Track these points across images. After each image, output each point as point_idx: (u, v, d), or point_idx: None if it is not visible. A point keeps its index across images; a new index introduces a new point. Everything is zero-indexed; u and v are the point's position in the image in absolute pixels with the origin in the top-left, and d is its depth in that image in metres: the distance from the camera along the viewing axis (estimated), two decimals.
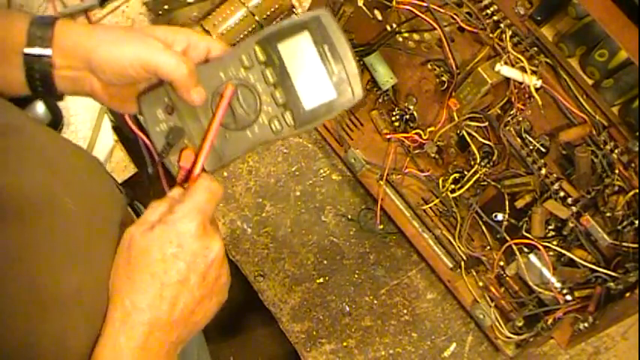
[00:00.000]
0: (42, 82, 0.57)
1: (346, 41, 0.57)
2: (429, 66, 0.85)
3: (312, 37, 0.57)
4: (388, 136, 0.94)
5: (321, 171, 1.00)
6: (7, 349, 0.44)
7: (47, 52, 0.56)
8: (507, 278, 0.88)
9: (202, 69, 0.58)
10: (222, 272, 0.56)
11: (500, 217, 0.85)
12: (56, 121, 1.00)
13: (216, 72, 0.58)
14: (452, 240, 0.91)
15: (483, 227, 0.89)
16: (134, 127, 0.63)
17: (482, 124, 0.81)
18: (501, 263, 0.87)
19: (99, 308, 0.53)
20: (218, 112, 0.57)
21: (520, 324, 0.86)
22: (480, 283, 0.90)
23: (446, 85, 0.83)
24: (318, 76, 0.57)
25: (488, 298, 0.90)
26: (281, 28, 0.57)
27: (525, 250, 0.82)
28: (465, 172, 0.87)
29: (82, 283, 0.51)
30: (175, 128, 0.59)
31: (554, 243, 0.80)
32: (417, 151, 0.92)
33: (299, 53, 0.57)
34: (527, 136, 0.78)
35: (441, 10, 0.74)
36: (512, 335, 0.87)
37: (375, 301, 0.98)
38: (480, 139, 0.83)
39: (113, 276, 0.53)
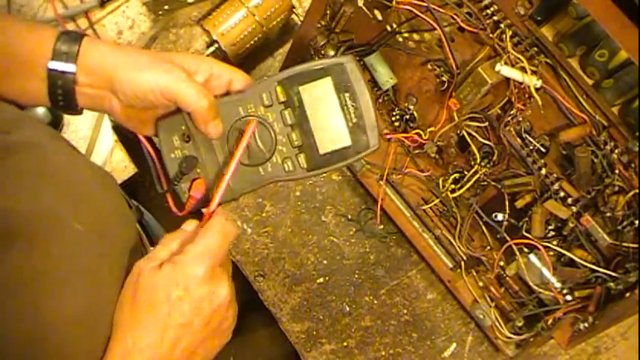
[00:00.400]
0: (63, 97, 0.58)
1: (368, 91, 0.57)
2: (429, 66, 0.85)
3: (334, 84, 0.57)
4: (388, 136, 0.94)
5: None
6: None
7: (71, 68, 0.57)
8: (507, 278, 0.88)
9: (222, 102, 0.59)
10: (227, 316, 0.56)
11: (500, 217, 0.85)
12: (56, 121, 1.00)
13: (236, 107, 0.59)
14: (452, 240, 0.91)
15: (483, 227, 0.89)
16: (148, 147, 0.64)
17: (482, 124, 0.81)
18: (501, 263, 0.87)
19: (102, 331, 0.53)
20: (238, 150, 0.57)
21: (520, 324, 0.86)
22: (480, 283, 0.90)
23: (446, 85, 0.83)
24: (336, 122, 0.58)
25: (488, 298, 0.90)
26: (304, 70, 0.57)
27: (525, 250, 0.82)
28: (465, 172, 0.87)
29: (86, 305, 0.51)
30: (190, 157, 0.60)
31: (554, 243, 0.80)
32: (417, 151, 0.92)
33: (319, 98, 0.58)
34: (527, 136, 0.78)
35: (441, 10, 0.74)
36: (512, 335, 0.87)
37: (375, 301, 0.98)
38: (480, 139, 0.83)
39: (118, 309, 0.53)
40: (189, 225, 0.58)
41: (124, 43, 1.01)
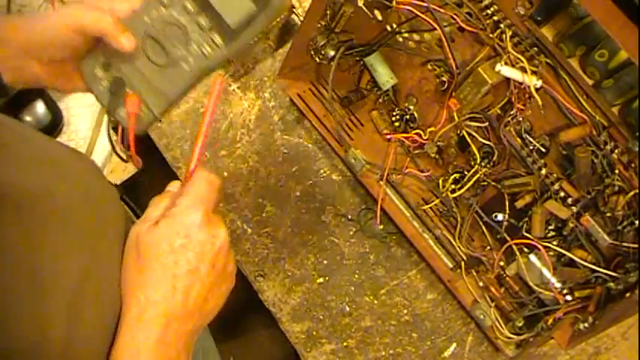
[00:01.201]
0: None
1: None
2: (429, 66, 0.85)
3: None
4: (388, 136, 0.94)
5: (321, 171, 1.00)
6: (10, 334, 0.43)
7: None
8: (507, 278, 0.88)
9: (128, 18, 0.61)
10: (229, 259, 0.57)
11: (500, 217, 0.85)
12: (56, 121, 1.00)
13: (141, 17, 0.62)
14: (452, 240, 0.91)
15: (483, 227, 0.89)
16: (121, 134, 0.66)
17: (482, 125, 0.81)
18: (501, 263, 0.87)
19: (104, 297, 0.53)
20: (209, 107, 0.59)
21: (520, 324, 0.86)
22: (480, 283, 0.90)
23: (446, 85, 0.83)
24: None
25: (488, 298, 0.89)
26: None
27: (525, 250, 0.82)
28: (465, 172, 0.87)
29: (85, 270, 0.51)
30: (115, 79, 0.63)
31: (555, 243, 0.80)
32: (417, 151, 0.92)
33: None
34: (528, 136, 0.78)
35: (441, 11, 0.74)
36: (512, 335, 0.87)
37: (375, 301, 0.98)
38: (480, 139, 0.83)
39: (124, 276, 0.54)
40: (173, 186, 0.59)
41: None
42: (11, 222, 0.46)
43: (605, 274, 0.76)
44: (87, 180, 0.60)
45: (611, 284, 0.76)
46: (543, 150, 0.78)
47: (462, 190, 0.87)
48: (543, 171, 0.78)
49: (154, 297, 0.52)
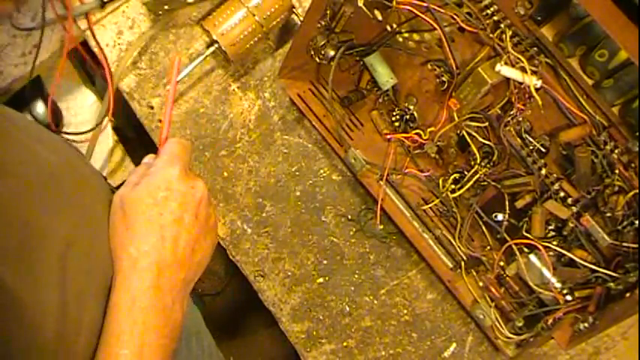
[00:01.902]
0: None
1: None
2: (429, 66, 0.85)
3: None
4: (388, 136, 0.94)
5: (321, 171, 1.00)
6: (2, 288, 0.44)
7: None
8: (507, 278, 0.88)
9: None
10: (211, 212, 0.60)
11: (500, 217, 0.85)
12: (56, 121, 1.00)
13: None
14: (452, 240, 0.91)
15: (483, 227, 0.89)
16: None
17: (482, 125, 0.81)
18: (501, 263, 0.87)
19: (93, 256, 0.54)
20: (172, 84, 0.63)
21: (520, 324, 0.86)
22: (480, 284, 0.90)
23: (446, 85, 0.83)
24: None
25: (488, 299, 0.89)
26: None
27: (525, 250, 0.82)
28: (465, 172, 0.87)
29: (73, 228, 0.53)
30: None
31: (555, 243, 0.80)
32: (417, 151, 0.92)
33: None
34: (527, 136, 0.78)
35: (441, 11, 0.74)
36: (512, 335, 0.87)
37: (375, 301, 0.98)
38: (480, 139, 0.83)
39: (112, 237, 0.56)
40: (149, 157, 0.62)
41: (123, 43, 1.01)
42: (1, 183, 0.47)
43: (605, 274, 0.76)
44: (72, 155, 0.62)
45: (611, 284, 0.76)
46: (543, 150, 0.78)
47: (462, 190, 0.87)
48: (543, 171, 0.78)
49: (144, 247, 0.54)
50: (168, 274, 0.54)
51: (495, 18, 0.72)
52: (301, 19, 0.95)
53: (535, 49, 0.71)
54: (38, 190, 0.51)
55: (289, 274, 0.99)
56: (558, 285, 0.80)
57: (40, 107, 0.99)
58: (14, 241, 0.46)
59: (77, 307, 0.51)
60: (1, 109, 0.59)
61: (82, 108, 1.03)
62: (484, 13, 0.72)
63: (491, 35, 0.72)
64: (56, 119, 1.00)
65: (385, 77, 0.90)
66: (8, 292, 0.44)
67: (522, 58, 0.70)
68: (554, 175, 0.78)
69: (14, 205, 0.48)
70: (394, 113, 0.93)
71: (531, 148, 0.78)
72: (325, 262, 0.99)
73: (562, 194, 0.77)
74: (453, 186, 0.89)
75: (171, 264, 0.55)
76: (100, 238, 0.56)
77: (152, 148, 1.02)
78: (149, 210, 0.55)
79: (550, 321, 0.82)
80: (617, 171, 0.70)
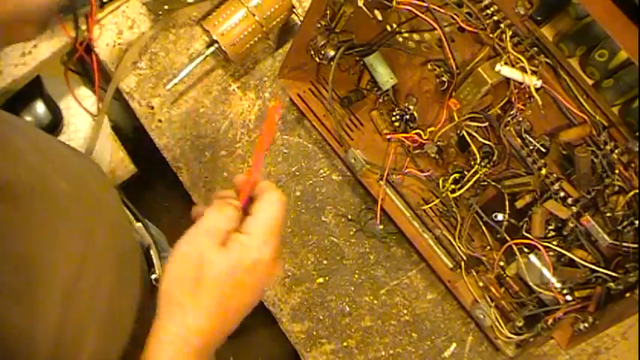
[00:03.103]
0: None
1: None
2: (429, 66, 0.84)
3: None
4: (388, 136, 0.94)
5: (321, 171, 1.00)
6: (2, 320, 0.44)
7: None
8: (507, 278, 0.88)
9: None
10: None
11: (500, 217, 0.85)
12: (56, 121, 1.00)
13: None
14: (452, 240, 0.91)
15: (483, 227, 0.89)
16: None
17: (482, 124, 0.81)
18: (501, 263, 0.87)
19: (100, 287, 0.53)
20: (266, 133, 0.56)
21: (520, 324, 0.86)
22: (480, 283, 0.90)
23: (446, 85, 0.83)
24: None
25: (488, 298, 0.89)
26: None
27: (525, 250, 0.82)
28: (465, 172, 0.87)
29: (81, 262, 0.51)
30: None
31: (555, 243, 0.80)
32: (417, 151, 0.92)
33: None
34: (527, 136, 0.78)
35: (441, 11, 0.74)
36: (512, 335, 0.87)
37: (375, 301, 0.98)
38: (480, 139, 0.83)
39: (177, 284, 0.52)
40: (240, 178, 0.58)
41: (123, 43, 1.01)
42: (6, 213, 0.46)
43: (605, 274, 0.76)
44: (84, 176, 0.59)
45: (611, 284, 0.76)
46: (543, 150, 0.78)
47: (462, 190, 0.87)
48: (543, 171, 0.78)
49: (203, 326, 0.52)
50: (210, 349, 0.53)
51: (495, 18, 0.72)
52: (301, 19, 0.95)
53: (535, 49, 0.71)
54: (46, 222, 0.49)
55: (289, 274, 0.99)
56: (558, 285, 0.80)
57: (40, 107, 0.99)
58: (16, 278, 0.45)
59: (76, 338, 0.50)
60: (10, 118, 0.58)
61: (82, 108, 1.03)
62: (484, 13, 0.72)
63: (491, 35, 0.72)
64: (56, 119, 1.00)
65: (385, 77, 0.90)
66: (4, 327, 0.43)
67: (522, 58, 0.70)
68: (554, 175, 0.78)
69: (20, 238, 0.46)
70: (394, 113, 0.93)
71: (531, 148, 0.78)
72: (325, 262, 0.99)
73: (562, 194, 0.77)
74: (453, 186, 0.89)
75: (218, 342, 0.54)
76: (108, 266, 0.54)
77: (152, 148, 1.02)
78: (226, 288, 0.52)
79: (550, 321, 0.82)
80: (617, 171, 0.70)
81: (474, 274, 0.91)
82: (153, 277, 0.70)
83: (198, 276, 0.52)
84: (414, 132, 0.90)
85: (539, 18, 0.69)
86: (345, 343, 0.97)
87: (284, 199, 0.56)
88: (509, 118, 0.77)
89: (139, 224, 0.75)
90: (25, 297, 0.46)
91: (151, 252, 0.72)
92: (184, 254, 0.53)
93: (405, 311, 0.97)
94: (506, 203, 0.83)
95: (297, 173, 1.00)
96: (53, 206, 0.51)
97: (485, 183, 0.85)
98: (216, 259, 0.52)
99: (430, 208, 0.93)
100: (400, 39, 0.85)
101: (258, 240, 0.54)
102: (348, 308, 0.98)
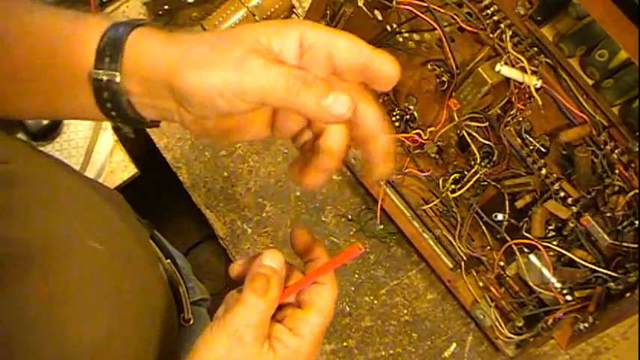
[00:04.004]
0: (116, 111, 0.46)
1: None
2: (429, 66, 0.84)
3: None
4: None
5: None
6: None
7: (114, 76, 0.44)
8: (507, 278, 0.88)
9: None
10: None
11: (500, 217, 0.85)
12: (56, 121, 1.00)
13: None
14: (452, 240, 0.91)
15: (483, 227, 0.89)
16: None
17: (482, 124, 0.81)
18: (501, 263, 0.87)
19: (128, 348, 0.51)
20: (339, 261, 0.52)
21: (520, 324, 0.86)
22: (480, 283, 0.90)
23: (446, 85, 0.83)
24: None
25: (488, 298, 0.90)
26: None
27: (525, 250, 0.82)
28: (465, 172, 0.87)
29: (111, 326, 0.49)
30: None
31: (555, 243, 0.80)
32: (417, 151, 0.92)
33: None
34: (528, 136, 0.78)
35: (441, 11, 0.74)
36: (512, 335, 0.87)
37: (375, 301, 0.98)
38: (480, 139, 0.83)
39: None
40: (277, 262, 0.52)
41: None
42: (36, 287, 0.44)
43: (605, 274, 0.76)
44: (116, 229, 0.55)
45: (611, 284, 0.76)
46: (543, 150, 0.78)
47: (462, 190, 0.87)
48: (543, 171, 0.78)
49: None
50: None
51: (495, 18, 0.72)
52: (301, 19, 0.95)
53: (535, 49, 0.71)
54: (79, 289, 0.47)
55: None
56: (558, 285, 0.80)
57: None
58: (46, 353, 0.44)
59: None
60: (53, 173, 0.53)
61: None
62: (484, 13, 0.72)
63: (491, 35, 0.72)
64: (56, 120, 1.00)
65: None
66: None
67: (522, 58, 0.70)
68: (554, 175, 0.78)
69: (51, 314, 0.44)
70: (394, 113, 0.93)
71: (531, 148, 0.78)
72: None
73: (562, 194, 0.77)
74: (453, 186, 0.89)
75: None
76: (138, 323, 0.51)
77: (152, 148, 1.02)
78: None
79: (550, 321, 0.82)
80: (617, 171, 0.70)
81: (474, 274, 0.91)
82: (182, 315, 0.67)
83: None
84: (414, 132, 0.90)
85: (539, 18, 0.69)
86: (345, 343, 0.97)
87: (336, 292, 0.51)
88: (509, 118, 0.77)
89: (168, 260, 0.71)
90: None
91: (180, 290, 0.68)
92: (228, 350, 0.46)
93: (405, 311, 0.97)
94: (506, 203, 0.83)
95: None
96: (83, 273, 0.48)
97: (486, 183, 0.85)
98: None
99: (430, 208, 0.93)
100: (400, 39, 0.85)
101: (310, 344, 0.49)
102: (348, 308, 0.98)
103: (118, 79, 0.44)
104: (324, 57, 0.43)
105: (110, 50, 0.44)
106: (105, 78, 0.44)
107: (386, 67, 0.44)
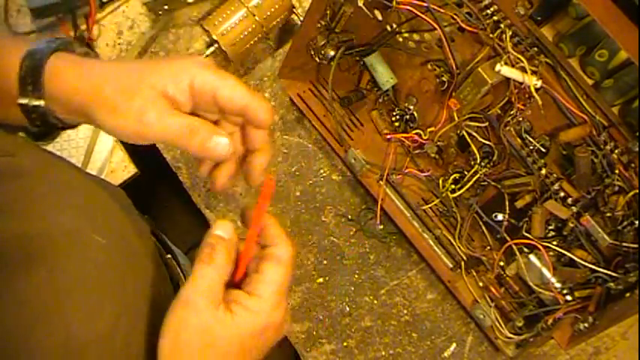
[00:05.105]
0: (45, 125, 0.53)
1: None
2: (429, 66, 0.85)
3: None
4: (388, 136, 0.94)
5: (321, 171, 1.00)
6: None
7: (39, 102, 0.50)
8: (507, 278, 0.88)
9: None
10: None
11: (500, 217, 0.85)
12: None
13: None
14: (452, 240, 0.91)
15: (483, 227, 0.89)
16: None
17: (482, 124, 0.81)
18: (501, 263, 0.87)
19: (135, 347, 0.51)
20: (262, 205, 0.54)
21: (520, 324, 0.86)
22: (480, 284, 0.90)
23: (446, 85, 0.83)
24: None
25: (488, 298, 0.89)
26: None
27: (525, 250, 0.82)
28: (465, 172, 0.87)
29: (116, 319, 0.49)
30: None
31: (554, 243, 0.80)
32: (417, 151, 0.92)
33: None
34: (527, 136, 0.78)
35: (441, 11, 0.74)
36: (512, 335, 0.87)
37: (375, 301, 0.98)
38: (480, 139, 0.83)
39: (176, 350, 0.48)
40: (225, 230, 0.53)
41: (123, 43, 1.01)
42: (43, 280, 0.45)
43: (605, 274, 0.76)
44: (119, 224, 0.57)
45: (611, 284, 0.76)
46: (543, 150, 0.78)
47: (462, 190, 0.87)
48: (543, 171, 0.78)
49: None
50: None
51: (495, 18, 0.72)
52: (301, 19, 0.95)
53: (535, 49, 0.71)
54: (85, 283, 0.47)
55: None
56: (558, 285, 0.80)
57: None
58: (55, 355, 0.44)
59: None
60: (57, 167, 0.55)
61: None
62: (484, 13, 0.72)
63: (491, 35, 0.72)
64: None
65: (385, 77, 0.90)
66: None
67: (522, 58, 0.70)
68: (554, 175, 0.78)
69: (57, 307, 0.45)
70: (394, 113, 0.93)
71: (531, 148, 0.78)
72: (325, 262, 0.99)
73: (562, 194, 0.77)
74: (453, 186, 0.89)
75: None
76: (142, 317, 0.52)
77: (152, 148, 1.02)
78: (233, 357, 0.49)
79: (550, 321, 0.82)
80: (617, 171, 0.70)
81: (474, 274, 0.91)
82: None
83: (202, 346, 0.48)
84: (414, 132, 0.90)
85: (539, 18, 0.69)
86: (345, 343, 0.97)
87: (294, 253, 0.52)
88: (509, 118, 0.77)
89: (169, 255, 0.72)
90: None
91: (181, 285, 0.69)
92: (183, 320, 0.48)
93: (405, 311, 0.97)
94: (506, 203, 0.83)
95: (297, 173, 1.00)
96: (88, 265, 0.49)
97: (486, 183, 0.85)
98: (221, 328, 0.48)
99: (430, 208, 0.93)
100: (400, 39, 0.85)
101: (269, 304, 0.50)
102: (348, 308, 0.98)
103: (42, 104, 0.50)
104: (211, 99, 0.50)
105: (31, 78, 0.50)
106: (31, 104, 0.50)
107: (260, 112, 0.51)
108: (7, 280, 0.44)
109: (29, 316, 0.44)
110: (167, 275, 0.68)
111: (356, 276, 0.98)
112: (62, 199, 0.51)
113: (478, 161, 0.84)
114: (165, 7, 0.98)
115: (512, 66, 0.72)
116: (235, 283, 0.53)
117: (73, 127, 0.56)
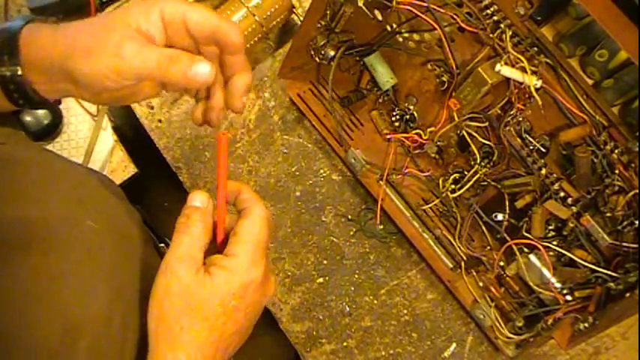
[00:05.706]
0: (23, 99, 0.53)
1: None
2: (429, 66, 0.85)
3: None
4: (388, 136, 0.94)
5: (321, 171, 1.00)
6: None
7: (16, 71, 0.50)
8: (507, 278, 0.88)
9: None
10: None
11: (500, 217, 0.85)
12: (56, 121, 1.00)
13: None
14: (452, 240, 0.91)
15: (483, 227, 0.89)
16: None
17: (482, 124, 0.81)
18: (501, 263, 0.87)
19: (132, 329, 0.52)
20: (222, 163, 0.55)
21: (520, 324, 0.86)
22: (480, 284, 0.90)
23: (446, 85, 0.83)
24: None
25: (488, 298, 0.89)
26: None
27: (525, 250, 0.82)
28: (465, 172, 0.87)
29: (111, 302, 0.50)
30: None
31: (554, 243, 0.80)
32: (417, 151, 0.92)
33: None
34: (528, 136, 0.78)
35: (441, 11, 0.74)
36: (512, 335, 0.87)
37: (375, 301, 0.98)
38: (480, 139, 0.83)
39: (161, 321, 0.49)
40: (199, 199, 0.54)
41: None
42: (39, 264, 0.46)
43: (605, 274, 0.76)
44: (111, 209, 0.57)
45: (611, 284, 0.76)
46: (543, 150, 0.78)
47: (462, 190, 0.87)
48: (543, 171, 0.78)
49: (196, 357, 0.49)
50: None
51: (495, 18, 0.72)
52: (301, 19, 0.95)
53: (535, 49, 0.71)
54: (80, 267, 0.48)
55: (289, 274, 0.99)
56: (558, 285, 0.80)
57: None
58: (52, 336, 0.45)
59: None
60: (46, 161, 0.55)
61: (81, 108, 1.03)
62: (484, 13, 0.72)
63: (491, 35, 0.72)
64: (56, 119, 1.00)
65: (385, 77, 0.90)
66: None
67: (522, 58, 0.70)
68: (554, 175, 0.78)
69: (53, 290, 0.46)
70: (394, 113, 0.93)
71: (531, 148, 0.78)
72: (325, 262, 0.99)
73: (562, 194, 0.77)
74: (453, 186, 0.89)
75: None
76: (137, 303, 0.52)
77: (152, 148, 1.02)
78: (215, 318, 0.49)
79: (550, 321, 0.82)
80: (617, 171, 0.70)
81: (474, 274, 0.91)
82: None
83: (185, 309, 0.49)
84: (414, 132, 0.90)
85: (539, 18, 0.69)
86: (345, 343, 0.97)
87: (268, 214, 0.54)
88: (509, 118, 0.77)
89: (162, 245, 0.73)
90: (68, 350, 0.46)
91: None
92: (165, 287, 0.49)
93: (405, 311, 0.97)
94: (506, 203, 0.83)
95: (297, 173, 1.00)
96: (82, 252, 0.50)
97: (486, 183, 0.85)
98: (201, 290, 0.49)
99: (430, 208, 0.93)
100: (400, 39, 0.85)
101: (246, 262, 0.51)
102: (348, 308, 0.98)
103: (20, 72, 0.50)
104: (182, 27, 0.50)
105: (7, 48, 0.50)
106: (8, 73, 0.50)
107: (231, 34, 0.51)
108: (3, 261, 0.45)
109: (26, 296, 0.45)
110: (160, 260, 0.69)
111: (356, 276, 0.98)
112: (55, 186, 0.52)
113: (478, 161, 0.84)
114: None
115: (512, 66, 0.72)
116: (219, 249, 0.54)
117: (53, 103, 0.56)
